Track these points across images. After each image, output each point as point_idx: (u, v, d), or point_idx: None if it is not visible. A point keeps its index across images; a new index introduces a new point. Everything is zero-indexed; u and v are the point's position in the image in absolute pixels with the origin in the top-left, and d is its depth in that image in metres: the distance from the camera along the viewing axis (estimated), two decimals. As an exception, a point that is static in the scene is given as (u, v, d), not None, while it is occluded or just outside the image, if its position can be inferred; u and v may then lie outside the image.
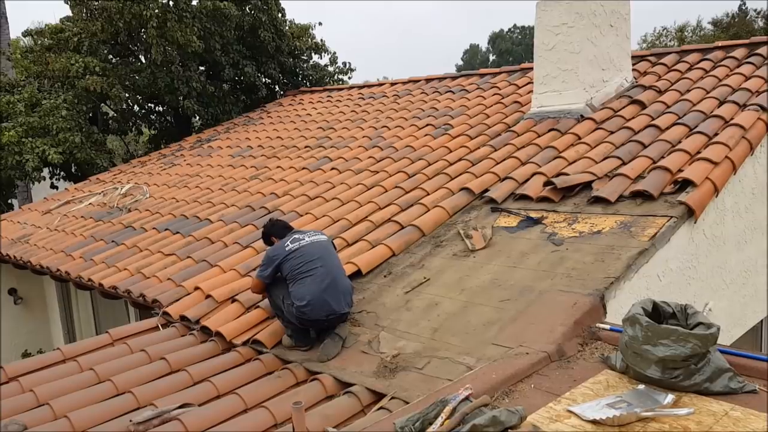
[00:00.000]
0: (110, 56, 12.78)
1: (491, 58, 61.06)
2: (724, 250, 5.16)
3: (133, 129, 14.58)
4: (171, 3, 11.69)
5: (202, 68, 13.38)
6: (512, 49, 55.70)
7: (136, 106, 13.89)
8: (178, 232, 7.01)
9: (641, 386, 3.13)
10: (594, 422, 2.83)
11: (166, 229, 7.19)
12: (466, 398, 3.02)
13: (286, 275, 4.43)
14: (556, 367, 3.49)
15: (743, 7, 36.29)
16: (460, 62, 63.12)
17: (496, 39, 62.04)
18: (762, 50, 7.08)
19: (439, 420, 2.88)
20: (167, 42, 11.41)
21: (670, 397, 2.97)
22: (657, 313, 3.30)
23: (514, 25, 59.48)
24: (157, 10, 11.03)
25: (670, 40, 29.82)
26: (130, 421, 3.57)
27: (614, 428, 2.79)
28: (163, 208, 8.12)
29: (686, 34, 29.73)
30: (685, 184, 4.83)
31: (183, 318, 5.12)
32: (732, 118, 5.64)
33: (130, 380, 4.16)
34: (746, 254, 5.45)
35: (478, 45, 64.82)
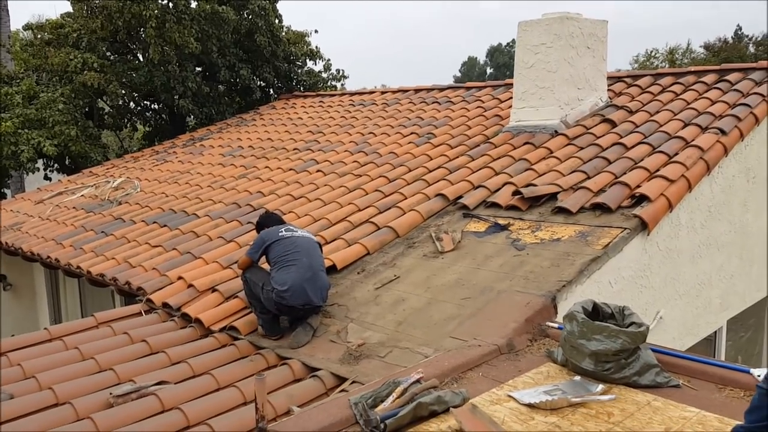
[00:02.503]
0: (108, 53, 13.07)
1: (488, 71, 61.72)
2: (678, 262, 5.49)
3: (128, 125, 14.86)
4: (170, 4, 12.01)
5: (198, 69, 13.69)
6: (509, 63, 56.30)
7: (131, 103, 14.18)
8: (165, 225, 7.30)
9: (577, 377, 3.44)
10: (529, 406, 3.14)
11: (154, 222, 7.47)
12: (417, 381, 3.32)
13: (272, 259, 4.75)
14: (505, 358, 3.80)
15: (739, 32, 37.01)
16: (458, 73, 63.78)
17: (494, 52, 62.77)
18: (730, 77, 7.45)
19: (391, 398, 3.19)
20: (165, 42, 11.73)
21: (600, 387, 3.29)
22: (597, 312, 3.62)
23: (512, 40, 60.10)
24: (156, 11, 11.35)
25: (661, 62, 30.38)
26: (110, 393, 3.85)
27: (547, 411, 3.10)
28: (152, 202, 8.40)
29: (677, 56, 30.31)
30: (642, 199, 5.17)
31: (165, 305, 5.40)
32: (693, 140, 5.99)
33: (112, 359, 4.44)
34: (700, 268, 5.79)
35: (476, 57, 65.56)
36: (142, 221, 7.60)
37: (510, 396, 3.28)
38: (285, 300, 4.60)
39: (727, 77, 7.49)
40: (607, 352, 3.33)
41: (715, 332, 6.36)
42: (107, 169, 11.07)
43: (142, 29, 12.06)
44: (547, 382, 3.43)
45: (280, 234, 4.86)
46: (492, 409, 3.13)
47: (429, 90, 10.89)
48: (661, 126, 6.58)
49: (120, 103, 13.33)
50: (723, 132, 6.06)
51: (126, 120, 14.42)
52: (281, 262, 4.72)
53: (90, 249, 6.94)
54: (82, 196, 9.40)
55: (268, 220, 5.22)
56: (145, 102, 14.44)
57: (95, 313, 5.30)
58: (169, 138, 13.01)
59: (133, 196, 8.82)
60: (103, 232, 7.46)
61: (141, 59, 13.30)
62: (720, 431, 2.87)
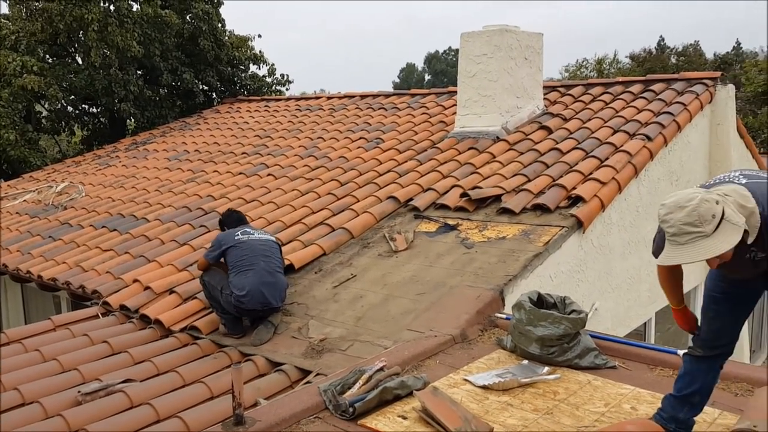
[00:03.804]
0: (48, 56, 12.78)
1: (426, 77, 62.73)
2: (611, 258, 5.97)
3: (66, 129, 14.51)
4: (112, 8, 11.88)
5: (140, 72, 13.54)
6: (447, 70, 57.45)
7: (70, 107, 13.87)
8: (115, 230, 7.29)
9: (525, 361, 3.78)
10: (483, 387, 3.46)
11: (103, 227, 7.45)
12: (381, 368, 3.58)
13: (230, 263, 4.88)
14: (459, 347, 4.11)
15: (662, 43, 39.02)
16: (397, 80, 64.53)
17: (431, 59, 63.83)
18: (655, 87, 8.07)
19: (357, 384, 3.43)
20: (107, 45, 11.59)
21: (546, 369, 3.64)
22: (541, 302, 3.98)
23: (449, 47, 61.40)
24: (98, 14, 11.20)
25: (590, 71, 31.79)
26: (79, 392, 3.93)
27: (499, 392, 3.42)
28: (99, 206, 8.34)
29: (605, 66, 31.79)
30: (577, 200, 5.61)
31: (123, 307, 5.46)
32: (622, 146, 6.50)
33: (75, 360, 4.49)
34: (630, 263, 6.29)
35: (414, 64, 66.52)
36: (91, 225, 7.55)
37: (466, 380, 3.58)
38: (243, 304, 4.76)
39: (652, 87, 8.10)
40: (551, 337, 3.68)
41: (645, 324, 6.89)
42: (48, 173, 10.85)
43: (83, 32, 11.86)
44: (499, 367, 3.75)
45: (236, 238, 4.98)
46: (450, 391, 3.42)
47: (375, 96, 11.19)
48: (593, 132, 7.09)
49: (59, 106, 13.03)
50: (649, 138, 6.60)
51: (64, 124, 14.09)
52: (239, 266, 4.85)
53: (39, 254, 6.88)
54: (24, 201, 9.21)
55: (229, 218, 5.35)
56: (84, 105, 14.15)
57: (52, 317, 5.31)
58: (108, 142, 12.84)
59: (78, 201, 8.72)
60: (50, 236, 7.38)
61: (81, 62, 13.05)
62: (652, 404, 3.25)
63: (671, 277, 2.69)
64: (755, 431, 2.72)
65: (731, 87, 7.88)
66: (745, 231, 2.17)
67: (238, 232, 5.05)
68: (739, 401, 3.23)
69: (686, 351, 2.76)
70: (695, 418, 2.80)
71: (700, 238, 2.14)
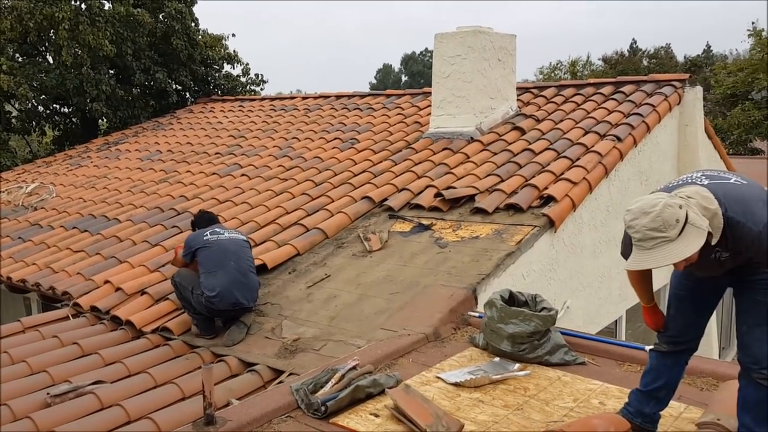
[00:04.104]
0: (17, 55, 12.56)
1: (403, 78, 62.87)
2: (582, 257, 6.05)
3: (37, 129, 14.27)
4: (84, 6, 11.71)
5: (112, 72, 13.37)
6: (424, 71, 57.63)
7: (40, 107, 13.64)
8: (86, 230, 7.20)
9: (497, 359, 3.83)
10: (455, 384, 3.49)
11: (74, 228, 7.35)
12: (354, 367, 3.59)
13: (200, 263, 4.84)
14: (432, 345, 4.14)
15: (634, 46, 39.65)
16: (374, 80, 64.59)
17: (408, 60, 64.00)
18: (625, 89, 8.20)
19: (330, 383, 3.44)
20: (78, 45, 11.42)
21: (517, 366, 3.69)
22: (513, 300, 4.03)
23: (426, 48, 61.60)
24: (69, 13, 11.04)
25: (564, 73, 32.18)
26: (48, 394, 3.88)
27: (471, 388, 3.45)
28: (70, 207, 8.22)
29: (578, 68, 32.21)
30: (549, 200, 5.68)
31: (93, 308, 5.39)
32: (593, 146, 6.59)
33: (44, 362, 4.43)
34: (601, 262, 6.38)
35: (391, 65, 66.62)
36: (61, 227, 7.45)
37: (438, 377, 3.61)
38: (214, 305, 4.74)
39: (622, 89, 8.23)
40: (522, 334, 3.73)
41: (616, 321, 7.00)
42: (18, 174, 10.66)
43: (53, 31, 11.67)
44: (471, 364, 3.79)
45: (204, 239, 4.94)
46: (423, 389, 3.45)
47: (350, 96, 11.20)
48: (565, 133, 7.18)
49: (29, 106, 12.80)
50: (619, 139, 6.70)
51: (35, 124, 13.85)
52: (209, 267, 4.82)
53: (8, 255, 6.76)
54: (-8, 201, 9.04)
55: (200, 219, 5.32)
56: (55, 105, 13.93)
57: (21, 318, 5.22)
58: (80, 142, 12.65)
59: (48, 202, 8.59)
60: (20, 238, 7.26)
61: (52, 61, 12.85)
62: (620, 399, 3.30)
63: (640, 277, 2.74)
64: (719, 424, 2.79)
65: (699, 89, 8.05)
66: (709, 233, 2.22)
67: (207, 233, 5.00)
68: (705, 395, 3.31)
69: (652, 347, 2.82)
70: (661, 413, 2.86)
71: (665, 243, 2.19)
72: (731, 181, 2.39)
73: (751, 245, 2.26)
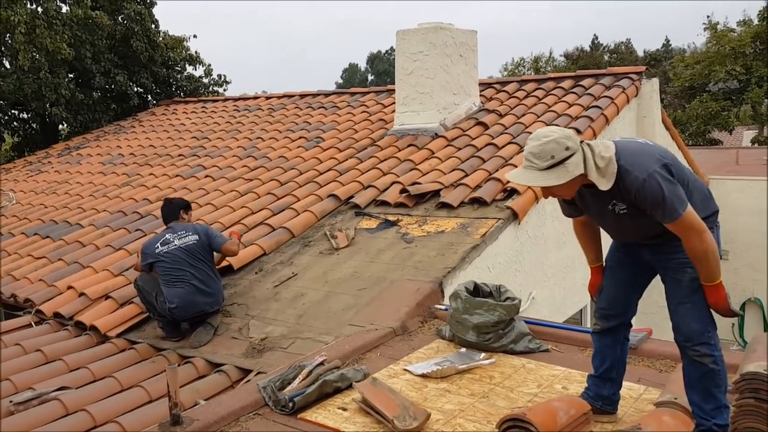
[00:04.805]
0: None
1: (370, 77, 62.88)
2: (546, 248, 6.15)
3: (-6, 135, 13.93)
4: (40, 9, 11.46)
5: (71, 75, 13.11)
6: (390, 71, 57.69)
7: (-2, 113, 13.32)
8: (48, 237, 7.07)
9: (463, 349, 3.88)
10: (422, 376, 3.53)
11: (35, 234, 7.21)
12: (321, 363, 3.60)
13: (159, 273, 4.81)
14: (400, 339, 4.17)
15: (595, 41, 40.32)
16: (340, 80, 64.45)
17: (374, 59, 64.03)
18: (584, 82, 8.35)
19: (297, 379, 3.44)
20: (36, 48, 11.16)
21: (483, 355, 3.74)
22: (477, 291, 4.08)
23: (391, 47, 61.67)
24: (25, 16, 10.77)
25: (527, 69, 32.57)
26: (11, 402, 3.81)
27: (438, 379, 3.49)
28: (31, 213, 8.06)
29: (541, 64, 32.63)
30: (512, 193, 5.77)
31: (57, 315, 5.31)
32: (554, 139, 6.69)
33: (7, 369, 4.35)
34: (565, 253, 6.49)
35: (357, 64, 66.55)
36: (22, 233, 7.30)
37: (405, 369, 3.64)
38: (176, 315, 4.73)
39: (581, 82, 8.38)
40: (487, 324, 3.79)
41: (581, 311, 7.13)
42: (-25, 181, 10.39)
43: (9, 35, 11.39)
44: (438, 356, 3.83)
45: (157, 251, 4.84)
46: (390, 381, 3.48)
47: (315, 95, 11.18)
48: (527, 127, 7.29)
49: (-15, 112, 12.49)
50: (578, 132, 6.82)
51: (-8, 130, 13.52)
52: (166, 279, 4.78)
53: (-35, 264, 6.59)
54: (-52, 210, 8.79)
55: (162, 213, 5.22)
56: (14, 111, 13.60)
57: (-20, 328, 5.11)
58: (41, 148, 12.39)
59: (9, 209, 8.40)
60: (-22, 246, 7.08)
61: (9, 66, 12.54)
62: (582, 383, 3.38)
63: (586, 231, 2.90)
64: (676, 402, 2.88)
65: (655, 81, 8.24)
66: (584, 176, 2.40)
67: (158, 243, 4.88)
68: (663, 377, 3.41)
69: (591, 329, 2.91)
70: (620, 393, 2.94)
71: (531, 169, 2.44)
72: (635, 140, 2.59)
73: (637, 194, 2.40)
